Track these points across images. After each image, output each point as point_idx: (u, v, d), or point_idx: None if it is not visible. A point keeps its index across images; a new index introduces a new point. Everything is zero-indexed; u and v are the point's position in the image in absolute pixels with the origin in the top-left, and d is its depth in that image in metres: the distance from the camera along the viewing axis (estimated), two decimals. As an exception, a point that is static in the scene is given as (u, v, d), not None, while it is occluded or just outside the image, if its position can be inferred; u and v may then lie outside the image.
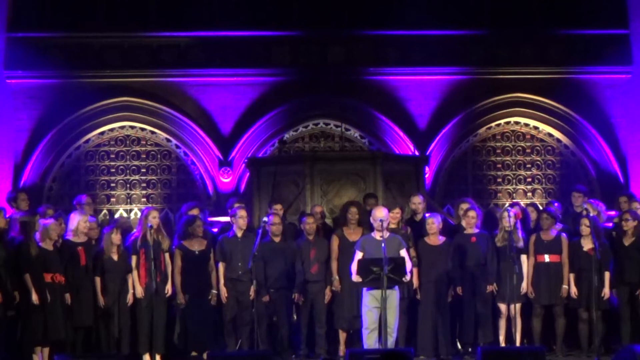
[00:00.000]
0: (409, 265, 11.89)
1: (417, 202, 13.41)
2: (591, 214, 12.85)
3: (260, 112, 17.67)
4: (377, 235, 11.89)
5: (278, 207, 13.26)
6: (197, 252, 12.57)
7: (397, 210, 12.74)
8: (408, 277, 11.92)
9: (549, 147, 18.27)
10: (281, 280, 12.63)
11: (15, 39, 17.46)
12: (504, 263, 12.55)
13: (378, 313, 11.76)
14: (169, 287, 12.41)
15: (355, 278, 11.78)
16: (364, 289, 11.89)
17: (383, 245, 11.55)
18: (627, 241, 12.79)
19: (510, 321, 12.60)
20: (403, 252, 11.86)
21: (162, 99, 17.71)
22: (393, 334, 11.78)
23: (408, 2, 17.92)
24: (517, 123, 18.25)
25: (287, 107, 17.78)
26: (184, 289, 12.48)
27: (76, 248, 12.33)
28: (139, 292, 12.28)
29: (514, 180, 18.16)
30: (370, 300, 11.82)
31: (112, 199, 17.82)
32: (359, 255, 11.87)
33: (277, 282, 12.62)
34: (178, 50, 17.76)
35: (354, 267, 11.81)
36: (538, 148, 18.27)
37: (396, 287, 11.83)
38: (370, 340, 11.82)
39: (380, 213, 11.94)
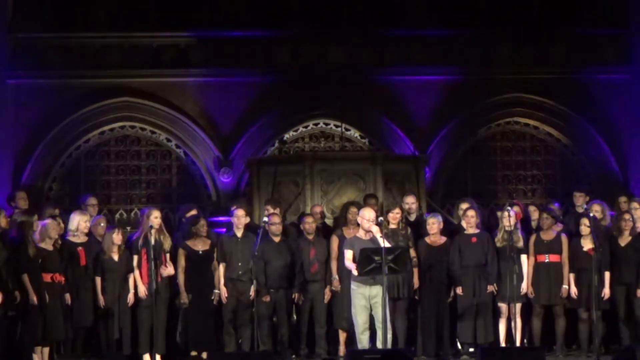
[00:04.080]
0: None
1: (411, 202, 13.41)
2: (592, 214, 12.84)
3: (260, 112, 17.66)
4: (364, 235, 11.88)
5: (268, 207, 13.20)
6: (200, 252, 12.58)
7: (397, 210, 12.74)
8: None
9: (549, 147, 18.26)
10: (281, 280, 12.62)
11: (15, 39, 17.46)
12: (504, 263, 12.55)
13: (367, 312, 11.76)
14: (170, 270, 12.33)
15: (356, 273, 11.75)
16: (353, 289, 11.84)
17: (383, 245, 11.56)
18: (623, 241, 12.78)
19: (510, 321, 12.60)
20: None
21: (162, 99, 17.70)
22: (388, 329, 11.73)
23: (408, 1, 17.93)
24: (517, 123, 18.23)
25: (287, 107, 17.77)
26: (187, 289, 12.48)
27: (76, 248, 12.33)
28: (142, 291, 12.26)
29: (514, 180, 18.15)
30: (359, 299, 11.80)
31: (112, 199, 17.82)
32: (349, 253, 11.85)
33: (277, 282, 12.61)
34: (178, 50, 17.77)
35: (350, 262, 11.78)
36: (538, 148, 18.25)
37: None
38: (364, 341, 11.82)
39: (370, 213, 11.93)
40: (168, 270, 12.36)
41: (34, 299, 11.58)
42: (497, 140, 18.26)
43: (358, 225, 12.67)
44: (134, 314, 12.42)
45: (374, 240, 11.75)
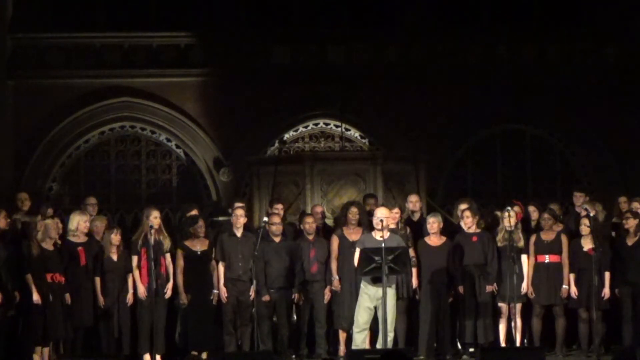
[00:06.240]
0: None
1: (414, 200, 13.41)
2: (591, 214, 12.83)
3: (260, 112, 17.66)
4: (377, 234, 11.88)
5: (279, 206, 13.25)
6: (199, 252, 12.57)
7: (397, 210, 12.73)
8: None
9: (547, 147, 18.26)
10: (281, 280, 12.62)
11: (16, 39, 17.48)
12: (504, 263, 12.54)
13: (371, 314, 11.76)
14: (169, 286, 12.39)
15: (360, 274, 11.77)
16: (361, 288, 11.87)
17: (383, 244, 11.55)
18: (631, 241, 12.74)
19: (510, 321, 12.60)
20: None
21: (162, 99, 17.72)
22: (391, 333, 11.77)
23: (408, 1, 17.93)
24: (516, 122, 18.23)
25: (287, 107, 17.77)
26: (186, 289, 12.48)
27: (76, 248, 12.32)
28: (142, 291, 12.25)
29: (515, 180, 18.13)
30: (365, 299, 11.81)
31: (112, 199, 17.82)
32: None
33: (277, 282, 12.61)
34: (178, 50, 17.78)
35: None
36: (537, 148, 18.25)
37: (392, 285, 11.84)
38: (358, 341, 11.83)
39: (382, 212, 11.94)
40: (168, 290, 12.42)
41: (38, 298, 11.58)
42: (497, 139, 18.25)
43: (358, 225, 12.68)
44: (134, 313, 12.42)
45: (386, 240, 11.68)
